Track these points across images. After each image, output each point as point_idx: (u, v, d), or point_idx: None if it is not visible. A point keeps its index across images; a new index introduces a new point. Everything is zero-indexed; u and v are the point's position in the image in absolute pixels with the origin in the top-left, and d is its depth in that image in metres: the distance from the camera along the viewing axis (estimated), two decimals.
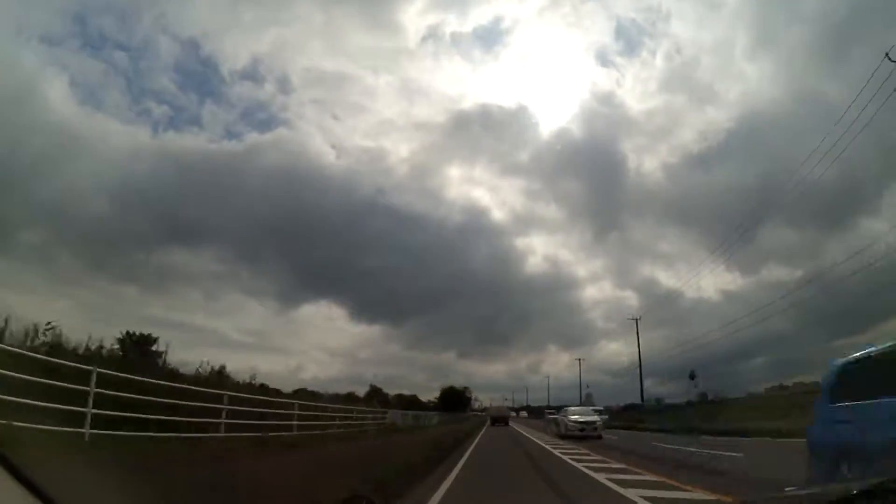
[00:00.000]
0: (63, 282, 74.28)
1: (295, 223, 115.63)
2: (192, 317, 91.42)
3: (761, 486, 7.12)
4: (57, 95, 79.07)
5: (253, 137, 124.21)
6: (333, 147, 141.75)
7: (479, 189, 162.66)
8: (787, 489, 2.30)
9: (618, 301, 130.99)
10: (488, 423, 49.53)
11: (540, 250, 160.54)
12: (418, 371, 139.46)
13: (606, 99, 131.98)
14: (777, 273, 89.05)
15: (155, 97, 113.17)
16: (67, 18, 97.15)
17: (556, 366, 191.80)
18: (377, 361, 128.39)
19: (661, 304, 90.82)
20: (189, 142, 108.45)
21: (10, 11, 64.33)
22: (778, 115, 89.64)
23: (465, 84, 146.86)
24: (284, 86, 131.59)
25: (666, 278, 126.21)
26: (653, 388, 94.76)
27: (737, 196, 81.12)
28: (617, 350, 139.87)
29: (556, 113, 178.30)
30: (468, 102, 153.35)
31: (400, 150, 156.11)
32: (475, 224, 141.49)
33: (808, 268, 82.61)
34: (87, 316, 66.68)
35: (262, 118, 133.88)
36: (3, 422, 6.18)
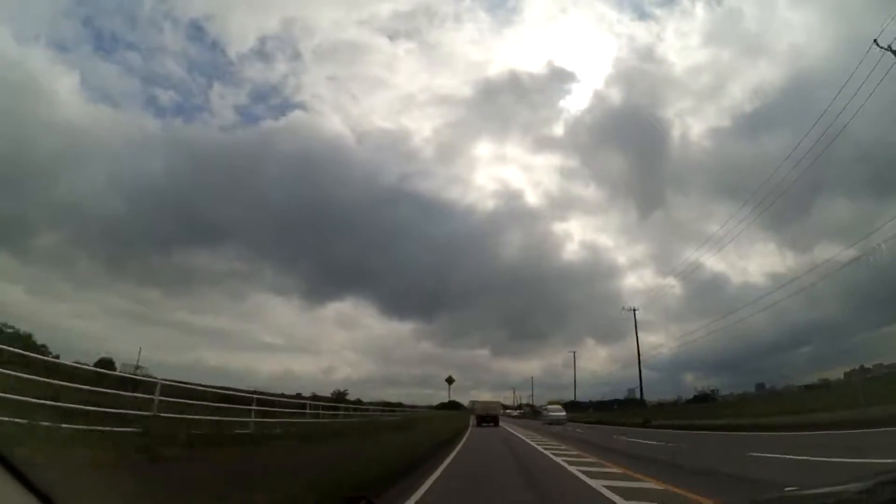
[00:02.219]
0: (87, 286, 77.71)
1: (317, 215, 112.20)
2: (218, 319, 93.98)
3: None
4: (66, 94, 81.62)
5: (268, 124, 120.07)
6: (353, 131, 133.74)
7: (510, 168, 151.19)
8: (786, 489, 2.24)
9: (659, 290, 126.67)
10: (472, 422, 40.24)
11: (577, 236, 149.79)
12: (452, 370, 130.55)
13: (647, 55, 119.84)
14: (830, 251, 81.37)
15: (165, 87, 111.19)
16: (76, 21, 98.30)
17: (593, 360, 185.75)
18: (410, 360, 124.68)
19: (706, 291, 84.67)
20: (202, 132, 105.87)
21: (13, 15, 68.32)
22: (830, 69, 78.76)
23: (490, 48, 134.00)
24: (296, 64, 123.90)
25: (713, 263, 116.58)
26: (696, 381, 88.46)
27: (790, 163, 73.76)
28: (657, 342, 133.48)
29: (591, 75, 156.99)
30: (494, 69, 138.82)
31: (423, 129, 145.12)
32: (508, 209, 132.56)
33: (861, 246, 73.61)
34: (115, 323, 70.17)
35: (276, 102, 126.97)
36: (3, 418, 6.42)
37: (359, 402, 44.89)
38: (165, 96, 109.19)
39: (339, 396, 46.90)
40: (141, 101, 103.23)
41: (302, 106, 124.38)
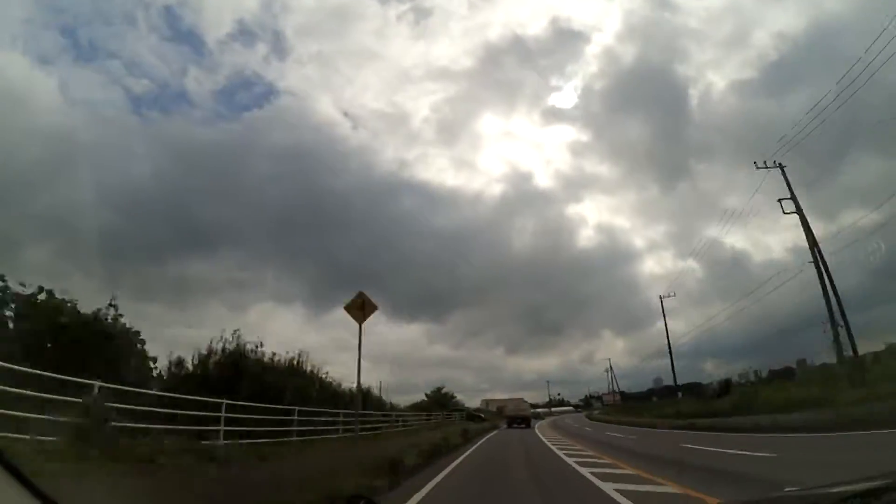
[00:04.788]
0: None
1: (314, 213, 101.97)
2: (222, 333, 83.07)
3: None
4: (42, 96, 69.08)
5: (254, 114, 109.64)
6: (346, 115, 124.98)
7: (518, 147, 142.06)
8: (786, 489, 2.37)
9: (679, 273, 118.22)
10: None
11: (592, 219, 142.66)
12: (467, 372, 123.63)
13: (661, 2, 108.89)
14: (859, 219, 73.13)
15: (142, 80, 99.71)
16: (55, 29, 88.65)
17: (611, 353, 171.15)
18: (424, 364, 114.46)
19: (728, 271, 77.61)
20: (186, 128, 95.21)
21: None
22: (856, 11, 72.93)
23: (489, 7, 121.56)
24: (279, 43, 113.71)
25: (735, 240, 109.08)
26: (716, 368, 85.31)
27: (817, 120, 68.25)
28: (679, 329, 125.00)
29: (601, 31, 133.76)
30: (495, 32, 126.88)
31: (421, 108, 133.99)
32: (517, 193, 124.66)
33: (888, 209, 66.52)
34: None
35: (261, 90, 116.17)
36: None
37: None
38: (145, 91, 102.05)
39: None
40: (122, 101, 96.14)
41: (289, 91, 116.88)
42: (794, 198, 24.95)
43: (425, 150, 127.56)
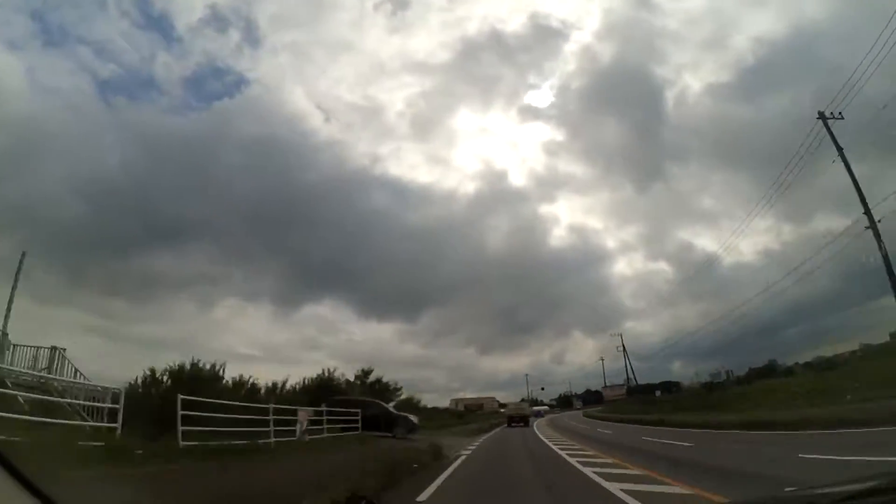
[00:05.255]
0: (46, 301, 57.84)
1: (284, 207, 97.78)
2: (188, 329, 75.34)
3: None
4: (12, 84, 67.20)
5: (224, 104, 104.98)
6: (319, 107, 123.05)
7: (493, 145, 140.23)
8: (786, 489, 2.36)
9: (650, 275, 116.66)
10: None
11: (565, 219, 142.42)
12: (439, 372, 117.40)
13: (641, 1, 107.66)
14: (831, 223, 75.29)
15: (111, 65, 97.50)
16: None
17: (582, 354, 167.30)
18: (395, 365, 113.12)
19: (698, 274, 78.67)
20: (156, 117, 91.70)
21: None
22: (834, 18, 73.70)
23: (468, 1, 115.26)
24: (252, 31, 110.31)
25: (706, 243, 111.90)
26: (682, 369, 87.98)
27: (793, 125, 62.73)
28: (647, 330, 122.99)
29: (580, 29, 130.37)
30: (473, 27, 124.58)
31: (396, 102, 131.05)
32: (491, 191, 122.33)
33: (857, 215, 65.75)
34: (83, 342, 59.67)
35: (232, 79, 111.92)
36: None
37: None
38: (114, 77, 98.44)
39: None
40: (90, 88, 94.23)
41: (262, 81, 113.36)
42: (841, 153, 22.49)
43: (399, 145, 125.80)
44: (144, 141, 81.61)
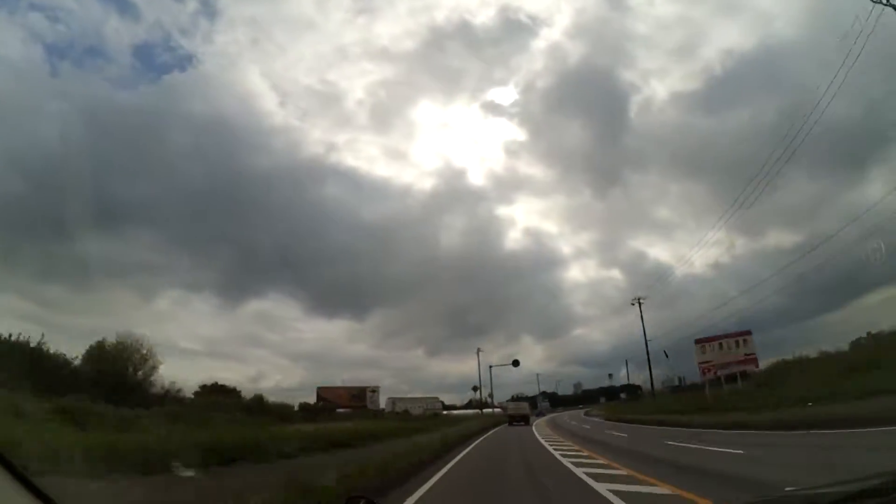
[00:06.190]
0: None
1: (232, 194, 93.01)
2: (129, 320, 75.61)
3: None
4: None
5: (174, 78, 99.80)
6: (275, 89, 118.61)
7: (453, 141, 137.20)
8: (787, 489, 2.37)
9: (602, 282, 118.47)
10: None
11: (522, 221, 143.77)
12: (387, 373, 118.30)
13: (614, 3, 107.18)
14: (782, 239, 76.25)
15: (56, 25, 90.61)
16: None
17: (530, 359, 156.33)
18: (342, 365, 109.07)
19: (652, 284, 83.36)
20: (100, 86, 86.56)
21: None
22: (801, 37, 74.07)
23: None
24: (208, 2, 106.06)
25: (659, 253, 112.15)
26: (632, 374, 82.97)
27: (753, 140, 66.82)
28: (596, 338, 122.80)
29: (550, 25, 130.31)
30: (441, 14, 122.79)
31: (356, 89, 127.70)
32: (448, 189, 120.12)
33: (810, 231, 69.48)
34: (16, 328, 51.07)
35: (184, 52, 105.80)
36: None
37: None
38: (61, 40, 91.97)
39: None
40: (36, 50, 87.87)
41: (216, 55, 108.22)
42: None
43: (356, 135, 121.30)
44: (89, 113, 75.33)
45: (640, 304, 50.19)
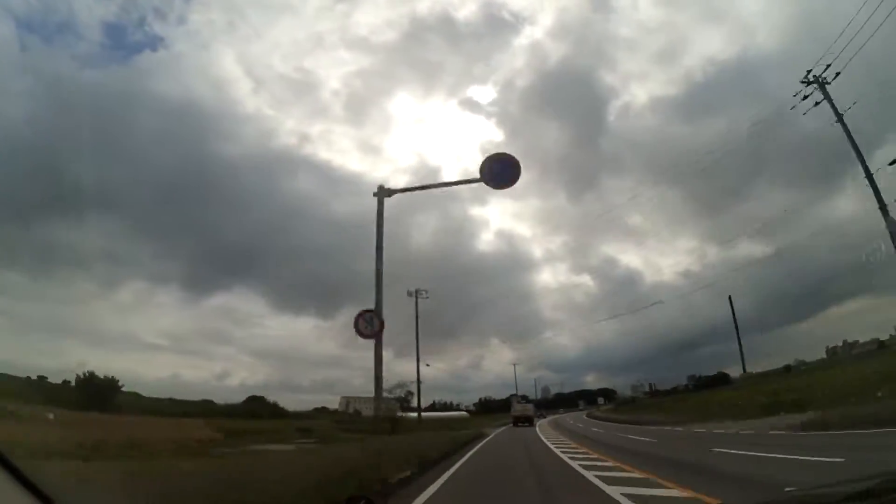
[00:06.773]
0: None
1: (198, 182, 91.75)
2: (90, 312, 67.39)
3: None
4: None
5: (146, 57, 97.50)
6: (249, 75, 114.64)
7: (428, 137, 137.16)
8: (786, 489, 2.38)
9: (572, 287, 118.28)
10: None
11: (495, 223, 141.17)
12: (356, 373, 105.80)
13: (599, 4, 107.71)
14: (751, 249, 79.53)
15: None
16: None
17: (498, 363, 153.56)
18: (312, 362, 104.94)
19: (620, 291, 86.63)
20: (68, 64, 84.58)
21: None
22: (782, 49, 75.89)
23: None
24: None
25: (631, 259, 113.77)
26: (595, 382, 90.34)
27: (728, 148, 66.64)
28: (564, 343, 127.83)
29: (532, 20, 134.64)
30: (424, 5, 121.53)
31: (332, 79, 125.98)
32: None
33: (782, 242, 68.82)
34: None
35: (156, 31, 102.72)
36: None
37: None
38: (30, 13, 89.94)
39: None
40: (6, 24, 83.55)
41: (189, 35, 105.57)
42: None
43: (330, 126, 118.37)
44: (56, 92, 73.77)
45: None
